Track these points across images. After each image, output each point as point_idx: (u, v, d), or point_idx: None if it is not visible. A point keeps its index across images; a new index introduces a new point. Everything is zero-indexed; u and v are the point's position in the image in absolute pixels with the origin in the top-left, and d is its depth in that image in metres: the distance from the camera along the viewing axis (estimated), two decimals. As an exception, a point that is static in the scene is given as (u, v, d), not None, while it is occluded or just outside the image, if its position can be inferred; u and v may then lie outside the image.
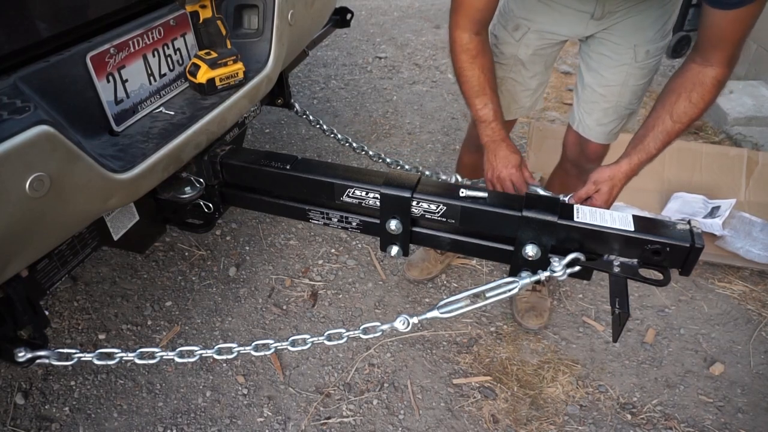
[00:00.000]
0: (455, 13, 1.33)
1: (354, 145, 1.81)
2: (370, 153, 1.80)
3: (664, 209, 2.33)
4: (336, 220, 1.33)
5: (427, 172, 1.73)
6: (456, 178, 1.65)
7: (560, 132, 1.80)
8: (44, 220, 0.91)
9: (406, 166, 1.71)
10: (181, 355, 1.17)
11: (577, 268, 1.12)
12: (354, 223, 1.32)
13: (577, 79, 1.63)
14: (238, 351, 1.17)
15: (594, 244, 1.10)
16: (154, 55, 1.24)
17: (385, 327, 1.14)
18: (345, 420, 1.65)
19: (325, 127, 1.89)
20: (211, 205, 1.43)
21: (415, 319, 1.12)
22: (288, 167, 1.27)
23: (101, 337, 1.88)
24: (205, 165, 1.34)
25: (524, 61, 1.57)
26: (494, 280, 1.13)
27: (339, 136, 1.86)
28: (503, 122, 1.43)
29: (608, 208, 1.27)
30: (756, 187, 2.37)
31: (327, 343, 1.17)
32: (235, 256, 2.23)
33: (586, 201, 1.34)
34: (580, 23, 1.46)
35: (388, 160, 1.78)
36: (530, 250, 1.13)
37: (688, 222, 1.07)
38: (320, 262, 2.21)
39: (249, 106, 1.44)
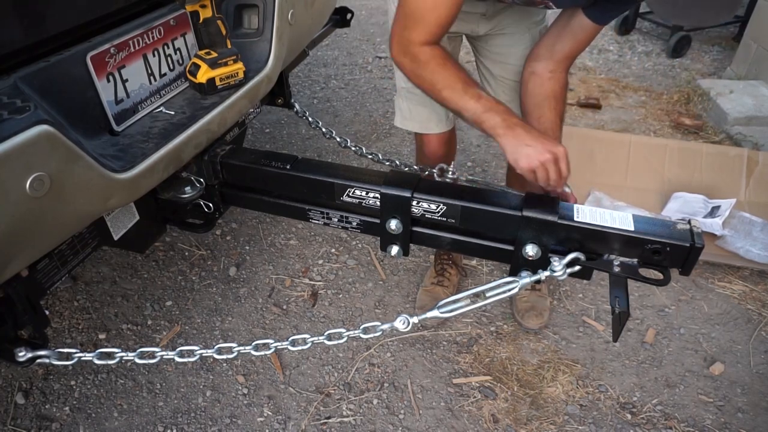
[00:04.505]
0: (412, 30, 1.22)
1: (353, 148, 1.81)
2: (369, 155, 1.78)
3: (664, 209, 2.33)
4: (336, 219, 1.33)
5: (397, 162, 1.74)
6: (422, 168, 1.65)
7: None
8: (44, 220, 0.91)
9: (406, 169, 1.71)
10: (181, 354, 1.17)
11: (577, 267, 1.12)
12: (354, 223, 1.32)
13: (484, 74, 1.69)
14: (238, 351, 1.17)
15: (594, 244, 1.10)
16: (154, 55, 1.24)
17: (385, 327, 1.13)
18: (345, 420, 1.65)
19: (324, 129, 1.89)
20: (211, 204, 1.43)
21: (415, 319, 1.12)
22: (288, 167, 1.27)
23: (101, 336, 1.88)
24: (205, 165, 1.34)
25: None
26: (494, 280, 1.13)
27: (338, 138, 1.86)
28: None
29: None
30: (756, 187, 2.37)
31: (327, 342, 1.17)
32: (235, 256, 2.23)
33: None
34: (474, 22, 1.55)
35: (397, 162, 1.74)
36: (530, 250, 1.13)
37: (688, 222, 1.06)
38: (320, 261, 2.22)
39: (249, 105, 1.44)
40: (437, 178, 1.61)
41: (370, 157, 1.77)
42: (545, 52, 1.39)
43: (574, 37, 1.34)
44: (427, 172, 1.64)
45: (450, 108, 1.27)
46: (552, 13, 1.48)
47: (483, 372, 1.78)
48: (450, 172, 1.58)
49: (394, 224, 1.23)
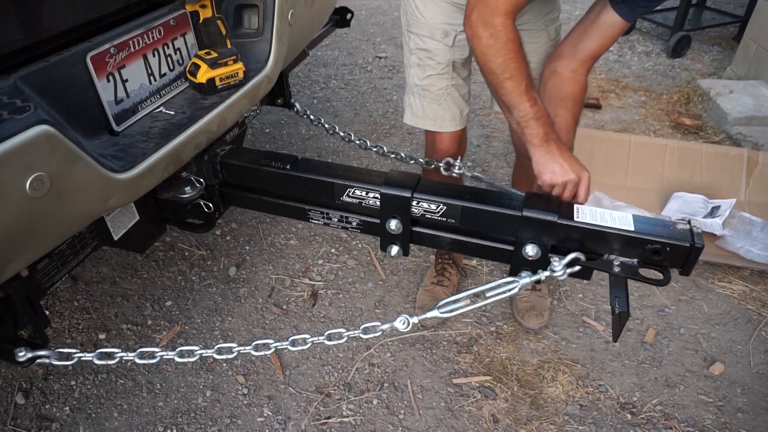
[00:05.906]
0: None
1: (357, 141, 1.80)
2: (374, 148, 1.77)
3: (664, 209, 2.33)
4: (336, 219, 1.33)
5: (402, 154, 1.72)
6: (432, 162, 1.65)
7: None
8: (44, 220, 0.91)
9: (411, 162, 1.69)
10: (181, 354, 1.17)
11: (577, 267, 1.12)
12: (354, 223, 1.32)
13: None
14: (238, 351, 1.17)
15: (594, 244, 1.10)
16: (154, 55, 1.24)
17: (385, 327, 1.13)
18: (345, 420, 1.65)
19: (327, 125, 1.88)
20: (211, 205, 1.43)
21: (415, 319, 1.12)
22: (288, 167, 1.27)
23: (101, 336, 1.88)
24: (205, 165, 1.34)
25: (461, 64, 1.60)
26: (494, 280, 1.13)
27: (342, 133, 1.84)
28: None
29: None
30: (756, 187, 2.37)
31: (327, 342, 1.16)
32: (235, 256, 2.23)
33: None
34: None
35: (402, 154, 1.71)
36: (530, 250, 1.13)
37: (688, 222, 1.07)
38: (320, 261, 2.21)
39: (249, 105, 1.44)
40: (443, 173, 1.61)
41: (375, 150, 1.76)
42: (569, 51, 1.37)
43: (600, 35, 1.32)
44: (433, 166, 1.64)
45: (502, 99, 1.20)
46: (567, 16, 1.48)
47: (483, 372, 1.78)
48: (457, 167, 1.57)
49: (394, 224, 1.23)
